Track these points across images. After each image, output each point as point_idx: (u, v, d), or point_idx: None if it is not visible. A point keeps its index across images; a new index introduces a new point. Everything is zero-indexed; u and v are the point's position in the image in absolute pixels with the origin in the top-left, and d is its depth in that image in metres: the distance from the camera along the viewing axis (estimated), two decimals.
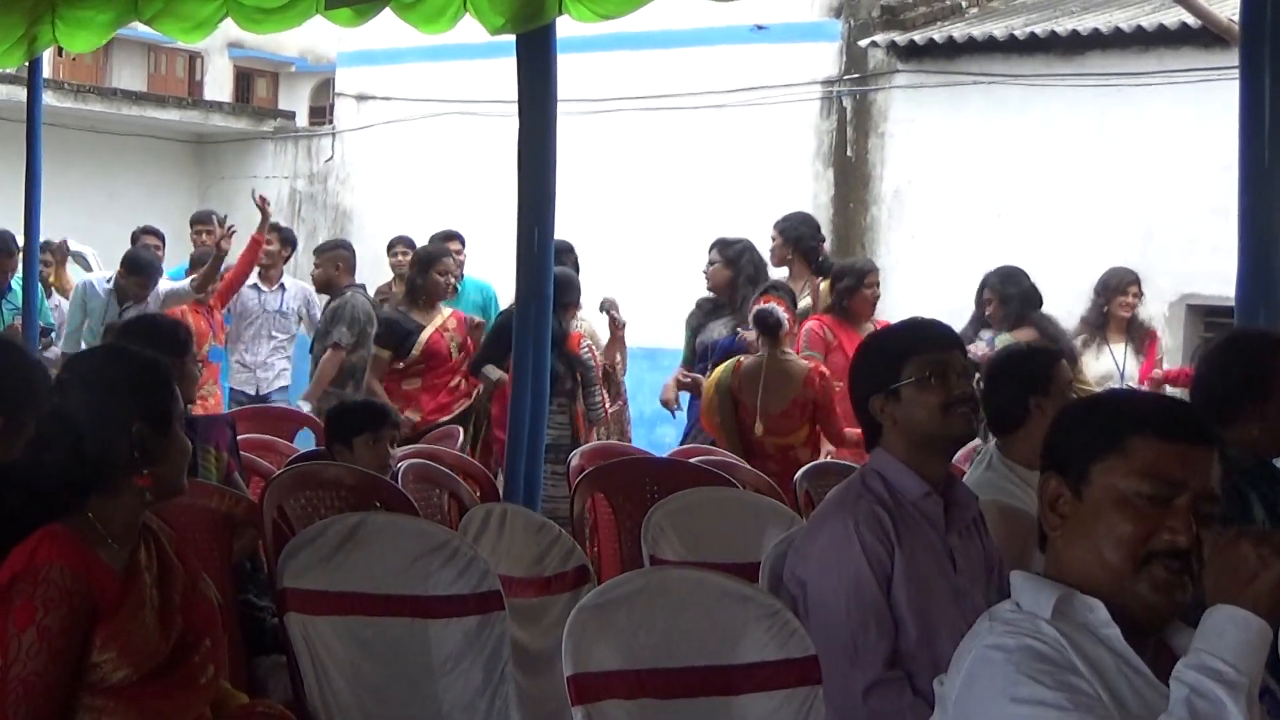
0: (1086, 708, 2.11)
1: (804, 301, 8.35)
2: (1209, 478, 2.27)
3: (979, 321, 8.38)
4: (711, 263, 8.36)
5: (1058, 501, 2.35)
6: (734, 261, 8.30)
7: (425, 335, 8.59)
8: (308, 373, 9.45)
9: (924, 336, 3.69)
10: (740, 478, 6.14)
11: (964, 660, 2.25)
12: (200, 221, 11.19)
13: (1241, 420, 3.92)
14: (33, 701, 2.84)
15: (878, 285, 8.37)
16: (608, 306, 8.70)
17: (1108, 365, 8.62)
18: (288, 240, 10.86)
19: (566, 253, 8.39)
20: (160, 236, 10.13)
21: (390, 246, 11.34)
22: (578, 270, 8.61)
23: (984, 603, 3.52)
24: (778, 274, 8.65)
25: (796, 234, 8.81)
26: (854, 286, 8.18)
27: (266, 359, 10.35)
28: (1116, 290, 8.78)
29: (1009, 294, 8.23)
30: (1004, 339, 7.91)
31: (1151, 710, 2.17)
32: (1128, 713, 2.16)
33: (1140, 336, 8.78)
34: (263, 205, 9.98)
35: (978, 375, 4.11)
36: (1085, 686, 2.14)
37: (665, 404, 8.59)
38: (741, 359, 7.45)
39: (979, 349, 7.85)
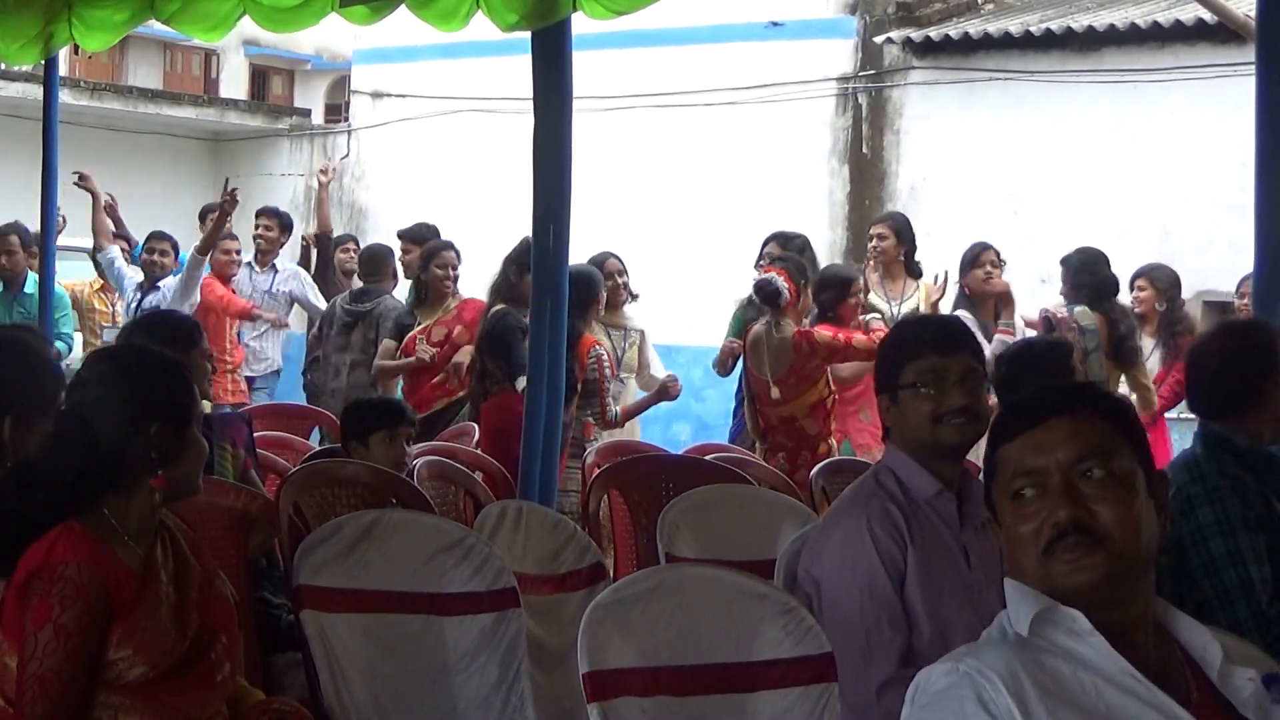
0: None
1: (910, 303, 8.43)
2: (1072, 445, 2.27)
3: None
4: (770, 256, 8.29)
5: (997, 536, 2.37)
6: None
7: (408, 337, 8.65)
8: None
9: (926, 340, 3.65)
10: (755, 474, 6.15)
11: (941, 667, 2.27)
12: (211, 212, 11.23)
13: (1253, 410, 3.91)
14: (50, 699, 2.85)
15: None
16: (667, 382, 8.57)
17: None
18: (286, 225, 10.92)
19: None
20: (172, 242, 10.10)
21: (339, 244, 11.45)
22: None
23: (998, 600, 3.52)
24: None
25: (912, 234, 8.82)
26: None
27: (249, 341, 10.47)
28: (1130, 285, 8.82)
29: (1081, 281, 8.18)
30: (1081, 312, 7.91)
31: None
32: None
33: (1171, 346, 8.73)
34: (229, 197, 9.92)
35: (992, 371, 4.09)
36: None
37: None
38: (752, 326, 7.50)
39: (1060, 312, 7.88)
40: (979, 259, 8.43)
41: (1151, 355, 8.69)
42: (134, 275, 9.99)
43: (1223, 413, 3.93)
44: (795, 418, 7.28)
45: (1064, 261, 8.35)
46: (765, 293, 7.23)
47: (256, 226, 10.90)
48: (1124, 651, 2.21)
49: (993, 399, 4.01)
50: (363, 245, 11.22)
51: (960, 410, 3.55)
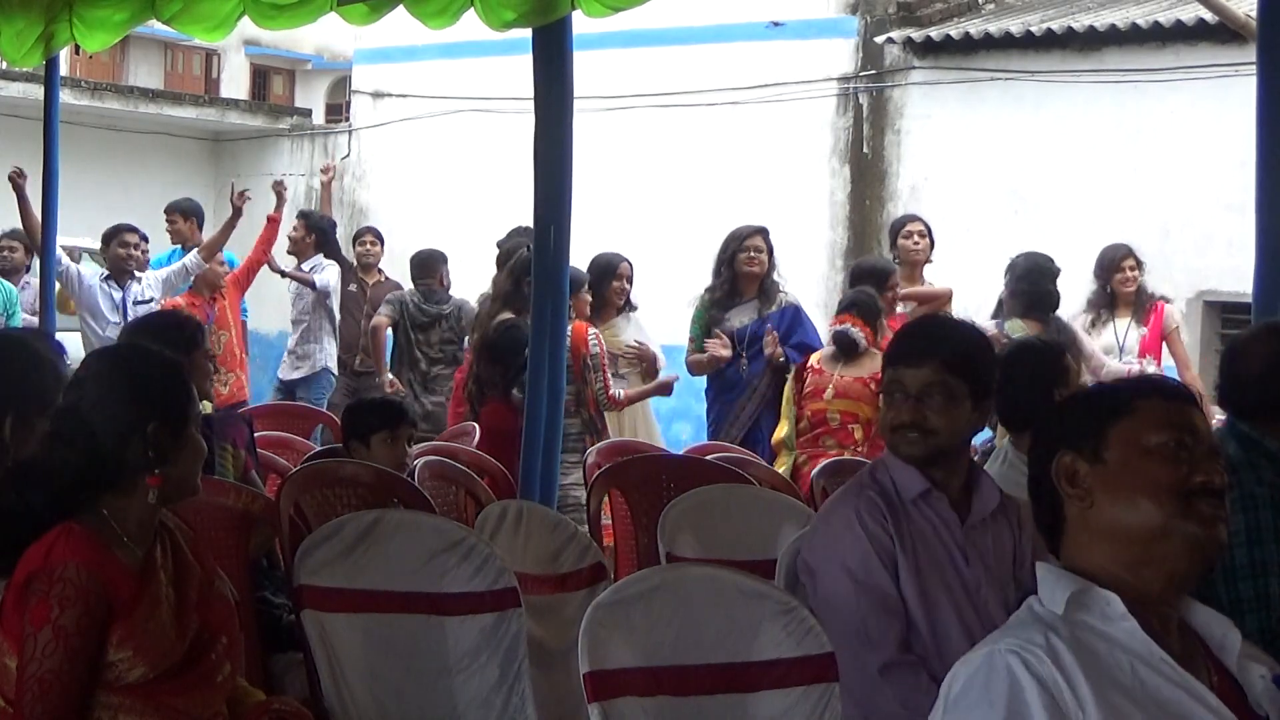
0: None
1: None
2: (1213, 435, 2.37)
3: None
4: (759, 250, 8.36)
5: (1075, 476, 2.36)
6: (772, 251, 8.37)
7: None
8: None
9: (894, 350, 3.75)
10: (755, 474, 6.14)
11: (976, 654, 2.27)
12: (169, 211, 11.16)
13: None
14: (49, 700, 2.85)
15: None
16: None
17: (1109, 339, 8.61)
18: (314, 225, 10.93)
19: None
20: (142, 234, 9.97)
21: (358, 236, 11.46)
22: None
23: (1002, 596, 3.53)
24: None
25: None
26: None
27: (292, 346, 10.66)
28: (1112, 268, 8.75)
29: (1019, 290, 8.20)
30: (1013, 325, 7.91)
31: (1168, 707, 2.18)
32: (1144, 712, 2.17)
33: (1143, 309, 8.73)
34: (279, 190, 10.53)
35: None
36: None
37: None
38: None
39: (989, 328, 7.86)
40: (1118, 263, 8.68)
41: (1128, 335, 8.67)
42: (89, 271, 9.86)
43: (1258, 415, 3.89)
44: (856, 416, 7.25)
45: (1010, 267, 8.36)
46: (842, 345, 7.41)
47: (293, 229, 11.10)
48: (1152, 637, 2.24)
49: None
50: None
51: (909, 425, 3.59)
